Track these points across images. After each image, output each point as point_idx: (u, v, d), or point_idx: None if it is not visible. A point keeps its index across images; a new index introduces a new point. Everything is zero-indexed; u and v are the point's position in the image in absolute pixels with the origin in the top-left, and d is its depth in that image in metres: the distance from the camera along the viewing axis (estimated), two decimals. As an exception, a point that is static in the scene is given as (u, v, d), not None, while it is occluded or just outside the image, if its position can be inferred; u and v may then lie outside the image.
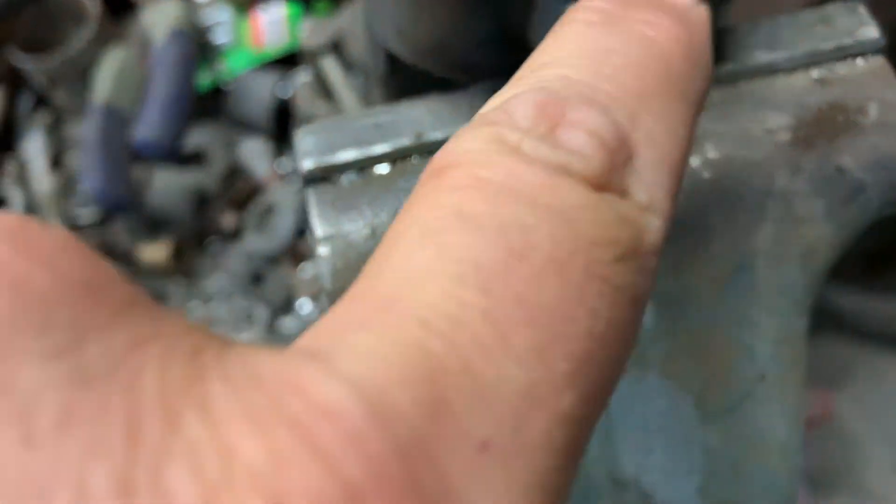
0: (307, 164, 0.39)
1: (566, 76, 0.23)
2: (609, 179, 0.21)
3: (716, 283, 0.40)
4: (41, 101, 1.14)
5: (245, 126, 1.06)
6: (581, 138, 0.21)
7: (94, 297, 0.17)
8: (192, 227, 0.99)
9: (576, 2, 0.36)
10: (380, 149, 0.39)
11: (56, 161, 1.09)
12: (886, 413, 2.10)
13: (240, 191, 1.00)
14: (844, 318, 2.02)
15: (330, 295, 0.38)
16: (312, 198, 0.39)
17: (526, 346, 0.18)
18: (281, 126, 1.04)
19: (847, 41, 0.41)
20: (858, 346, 2.15)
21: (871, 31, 0.41)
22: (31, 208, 1.05)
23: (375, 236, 0.38)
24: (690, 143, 0.24)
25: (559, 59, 0.25)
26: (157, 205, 0.96)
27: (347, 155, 0.39)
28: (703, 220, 0.39)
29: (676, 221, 0.39)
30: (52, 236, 0.18)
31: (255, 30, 1.09)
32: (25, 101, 1.14)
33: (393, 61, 0.45)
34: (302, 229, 0.99)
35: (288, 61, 1.05)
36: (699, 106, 0.25)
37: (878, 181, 0.40)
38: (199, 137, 1.04)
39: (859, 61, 0.41)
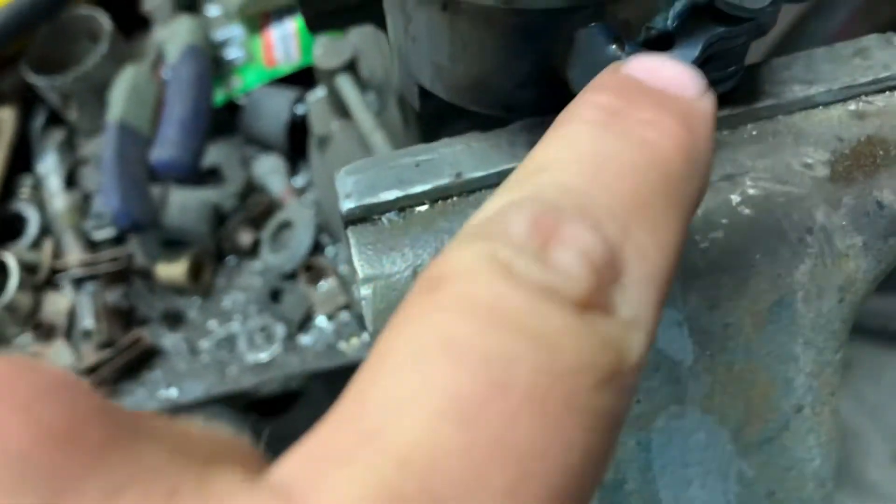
0: (348, 205, 0.39)
1: (563, 184, 0.24)
2: (595, 299, 0.21)
3: (756, 318, 0.40)
4: (55, 119, 1.14)
5: (260, 143, 1.06)
6: (571, 258, 0.21)
7: (70, 447, 0.17)
8: (210, 244, 0.99)
9: (618, 43, 0.36)
10: (420, 188, 0.39)
11: (70, 179, 1.09)
12: (885, 408, 2.11)
13: (256, 208, 1.00)
14: None
15: (372, 335, 0.38)
16: (353, 239, 0.39)
17: (501, 485, 0.18)
18: (295, 143, 1.04)
19: (884, 74, 0.41)
20: (858, 342, 2.16)
21: (907, 64, 0.41)
22: (47, 226, 1.05)
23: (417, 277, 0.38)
24: (682, 247, 0.24)
25: (558, 161, 0.25)
26: (174, 222, 0.96)
27: (388, 195, 0.39)
28: (742, 256, 0.39)
29: (716, 257, 0.39)
30: (33, 381, 0.18)
31: (268, 46, 1.09)
32: (39, 119, 1.14)
33: (427, 95, 0.45)
34: (318, 245, 0.99)
35: (301, 78, 1.05)
36: (695, 207, 0.25)
37: (916, 216, 0.40)
38: (214, 154, 1.04)
39: (896, 94, 0.41)
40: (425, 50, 0.42)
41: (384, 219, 0.39)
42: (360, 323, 0.94)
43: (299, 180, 1.06)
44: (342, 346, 0.92)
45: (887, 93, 0.41)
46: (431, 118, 0.49)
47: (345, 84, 0.87)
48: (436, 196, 0.40)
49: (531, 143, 0.40)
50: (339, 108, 0.91)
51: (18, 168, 1.10)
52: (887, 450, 2.03)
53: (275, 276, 0.98)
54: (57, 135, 1.13)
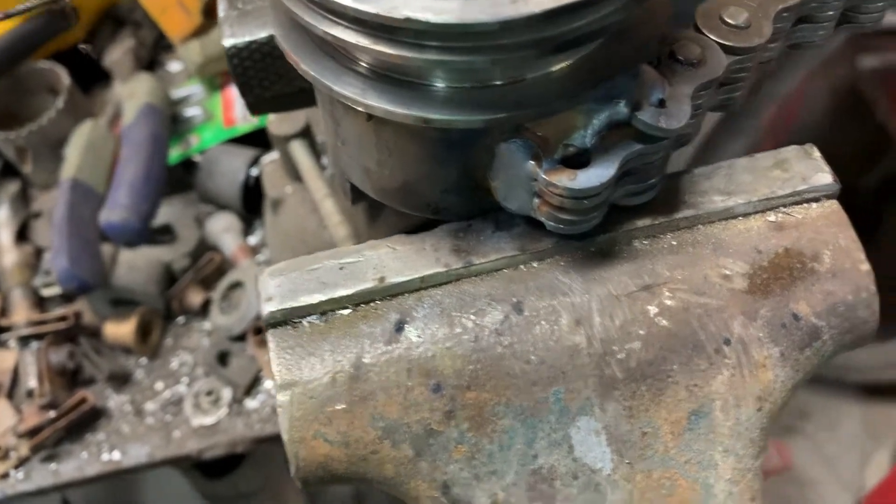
0: (268, 308, 0.39)
1: None
2: None
3: (674, 427, 0.40)
4: (9, 171, 1.13)
5: (215, 201, 1.06)
6: None
7: None
8: (159, 304, 0.98)
9: (536, 160, 0.37)
10: (342, 292, 0.40)
11: (22, 232, 1.08)
12: (843, 458, 2.12)
13: (207, 267, 1.00)
14: None
15: (288, 444, 0.38)
16: (272, 343, 0.39)
17: None
18: (251, 202, 1.03)
19: (802, 186, 0.42)
20: (814, 392, 2.18)
21: (825, 177, 0.42)
22: (-4, 281, 1.04)
23: (336, 384, 0.38)
24: None
25: None
26: (123, 282, 0.95)
27: (310, 298, 0.39)
28: (660, 366, 0.39)
29: (634, 368, 0.39)
30: None
31: (226, 106, 1.09)
32: (-7, 171, 1.13)
33: (358, 191, 0.45)
34: (270, 307, 0.98)
35: (259, 138, 1.05)
36: None
37: (833, 327, 0.41)
38: (168, 212, 1.04)
39: (814, 206, 0.42)
40: (354, 153, 0.42)
41: (305, 322, 0.39)
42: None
43: (253, 239, 1.05)
44: (290, 410, 0.91)
45: (806, 205, 0.42)
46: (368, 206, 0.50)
47: (298, 150, 0.88)
48: (358, 300, 0.40)
49: (455, 249, 0.40)
50: (293, 171, 0.91)
51: (-31, 221, 1.09)
52: (846, 499, 2.05)
53: (223, 338, 0.97)
54: (10, 187, 1.12)
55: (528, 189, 0.38)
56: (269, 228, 0.97)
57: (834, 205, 0.42)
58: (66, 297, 1.02)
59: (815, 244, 0.41)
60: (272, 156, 0.96)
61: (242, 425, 0.91)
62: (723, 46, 0.40)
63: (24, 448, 0.90)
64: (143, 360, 0.97)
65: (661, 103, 0.37)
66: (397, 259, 0.40)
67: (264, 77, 0.51)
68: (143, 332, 0.97)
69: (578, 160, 0.37)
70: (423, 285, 0.40)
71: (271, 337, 0.39)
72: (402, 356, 0.38)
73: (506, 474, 0.38)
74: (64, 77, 1.08)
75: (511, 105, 0.35)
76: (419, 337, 0.39)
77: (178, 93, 1.13)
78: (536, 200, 0.38)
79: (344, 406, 0.38)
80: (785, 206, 0.42)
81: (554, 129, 0.37)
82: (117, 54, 1.18)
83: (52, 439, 0.90)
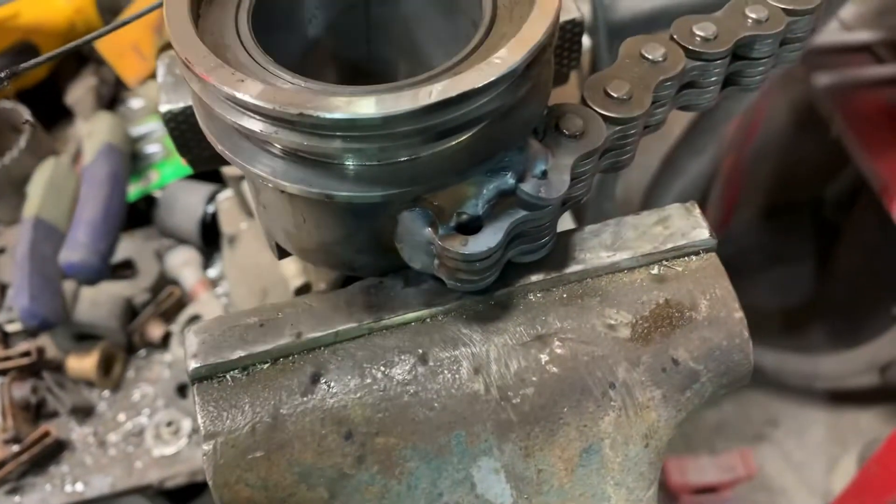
0: (193, 364, 0.43)
1: None
2: None
3: (567, 464, 0.44)
4: (-26, 207, 1.16)
5: (174, 236, 1.09)
6: None
7: None
8: (121, 337, 1.02)
9: (433, 227, 0.41)
10: (262, 347, 0.43)
11: (-14, 270, 1.11)
12: (810, 464, 2.18)
13: (167, 301, 1.03)
14: (767, 374, 2.11)
15: (213, 489, 0.42)
16: (198, 396, 0.43)
17: None
18: (210, 236, 1.07)
19: (682, 241, 0.46)
20: (782, 400, 2.24)
21: (703, 233, 0.46)
22: (-40, 318, 1.07)
23: (255, 434, 0.42)
24: None
25: None
26: (85, 318, 0.99)
27: (232, 354, 0.43)
28: (551, 409, 0.43)
29: (528, 412, 0.43)
30: None
31: (186, 142, 1.13)
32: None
33: (282, 248, 0.49)
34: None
35: (216, 172, 1.09)
36: None
37: (710, 370, 0.45)
38: (129, 247, 1.07)
39: (693, 259, 0.46)
40: (274, 217, 0.46)
41: (228, 376, 0.43)
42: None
43: (213, 272, 1.09)
44: (248, 439, 0.95)
45: (685, 258, 0.46)
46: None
47: (248, 189, 0.91)
48: (277, 355, 0.44)
49: (368, 305, 0.44)
50: (247, 208, 0.95)
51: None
52: (814, 504, 2.10)
53: (183, 370, 1.00)
54: (-25, 224, 1.14)
55: (428, 252, 0.42)
56: (226, 263, 1.01)
57: (712, 257, 0.46)
58: (30, 333, 1.05)
59: (693, 295, 0.45)
60: (227, 193, 1.00)
61: (202, 454, 0.94)
62: (605, 118, 0.45)
63: (-12, 481, 0.93)
64: (106, 393, 1.01)
65: (544, 174, 0.42)
66: (313, 316, 0.44)
67: (201, 139, 0.55)
68: (106, 365, 1.00)
69: (472, 226, 0.41)
70: (337, 339, 0.44)
71: (196, 391, 0.43)
72: (316, 406, 0.42)
73: (413, 511, 0.42)
74: (26, 116, 1.12)
75: (407, 181, 0.39)
76: (332, 388, 0.42)
77: (138, 130, 1.17)
78: (437, 261, 0.42)
79: (262, 453, 0.42)
80: (666, 259, 0.46)
81: (448, 200, 0.41)
82: (79, 92, 1.21)
83: (15, 473, 0.93)
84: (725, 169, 2.14)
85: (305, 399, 0.42)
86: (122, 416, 0.99)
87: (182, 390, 0.99)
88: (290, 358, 0.44)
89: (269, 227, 0.48)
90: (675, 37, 0.48)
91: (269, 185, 0.40)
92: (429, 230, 0.41)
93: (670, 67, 0.47)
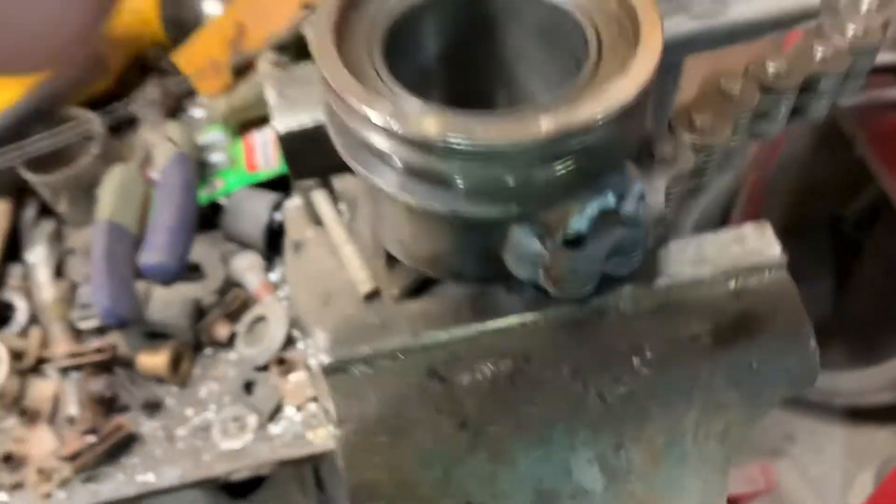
0: (325, 359, 0.48)
1: None
2: None
3: (653, 455, 0.49)
4: (45, 210, 1.22)
5: (239, 241, 1.15)
6: None
7: None
8: (189, 336, 1.07)
9: (541, 241, 0.46)
10: (384, 345, 0.49)
11: (58, 269, 1.17)
12: (827, 480, 2.20)
13: (233, 303, 1.09)
14: None
15: (343, 471, 0.47)
16: (330, 387, 0.48)
17: None
18: (272, 241, 1.13)
19: (757, 259, 0.51)
20: (800, 416, 2.26)
21: (775, 250, 0.52)
22: (35, 314, 1.12)
23: (380, 421, 0.47)
24: None
25: None
26: (157, 317, 1.04)
27: (359, 350, 0.48)
28: (641, 407, 0.48)
29: (619, 409, 0.48)
30: None
31: (248, 152, 1.19)
32: (30, 211, 1.21)
33: (392, 256, 0.55)
34: (290, 339, 1.07)
35: (281, 182, 1.15)
36: None
37: (781, 379, 0.50)
38: (196, 250, 1.13)
39: (767, 274, 0.52)
40: (391, 228, 0.52)
41: (356, 370, 0.49)
42: (327, 414, 1.02)
43: (274, 276, 1.14)
44: (309, 435, 1.00)
45: (759, 274, 0.51)
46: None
47: (319, 198, 0.97)
48: (397, 352, 0.49)
49: (475, 309, 0.50)
50: (314, 216, 1.00)
51: (8, 257, 1.17)
52: (830, 520, 2.13)
53: (248, 368, 1.05)
54: (46, 226, 1.20)
55: (533, 263, 0.48)
56: (289, 268, 1.06)
57: (783, 273, 0.52)
58: (101, 330, 1.10)
59: (766, 307, 0.50)
60: (295, 201, 1.05)
61: (267, 449, 1.00)
62: (690, 145, 0.50)
63: (66, 470, 0.99)
64: (174, 389, 1.06)
65: (641, 195, 0.47)
66: (428, 317, 0.50)
67: (312, 155, 0.60)
68: (174, 362, 1.06)
69: (575, 241, 0.46)
70: (449, 339, 0.49)
71: (329, 382, 0.48)
72: (433, 398, 0.48)
73: (517, 494, 0.47)
74: (97, 125, 1.18)
75: (522, 200, 0.45)
76: (447, 383, 0.48)
77: (202, 139, 1.22)
78: (541, 272, 0.48)
79: (386, 439, 0.47)
80: (744, 274, 0.51)
81: (556, 217, 0.46)
82: (144, 101, 1.27)
83: (92, 462, 0.99)
84: (748, 186, 2.17)
85: (423, 391, 0.48)
86: (189, 411, 1.04)
87: (248, 387, 1.04)
88: (410, 354, 0.49)
89: (384, 238, 0.53)
90: (750, 71, 0.54)
91: (397, 199, 0.45)
92: (537, 244, 0.46)
93: (746, 101, 0.52)
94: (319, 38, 0.46)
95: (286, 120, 0.60)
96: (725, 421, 0.49)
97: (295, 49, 1.05)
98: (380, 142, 0.44)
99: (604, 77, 0.46)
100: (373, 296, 0.93)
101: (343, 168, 0.64)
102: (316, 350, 0.49)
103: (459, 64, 0.55)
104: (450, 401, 0.47)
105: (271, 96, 0.63)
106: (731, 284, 0.51)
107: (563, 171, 0.45)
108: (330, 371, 0.48)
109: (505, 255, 0.49)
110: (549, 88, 0.54)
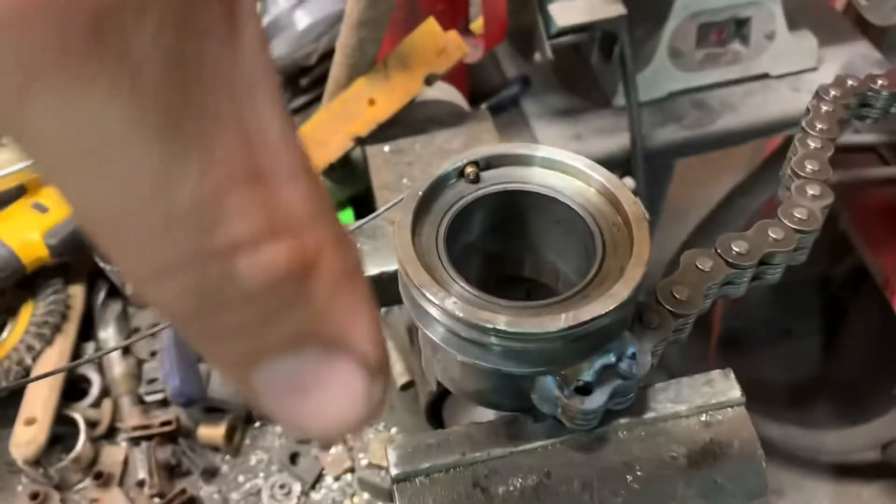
0: (394, 471, 0.64)
1: None
2: None
3: (641, 550, 0.65)
4: (113, 292, 1.38)
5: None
6: None
7: None
8: (242, 410, 1.23)
9: (560, 389, 0.62)
10: (439, 461, 0.65)
11: (126, 347, 1.33)
12: (816, 536, 2.30)
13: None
14: (773, 446, 2.25)
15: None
16: (397, 493, 0.64)
17: None
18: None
19: (722, 398, 0.68)
20: (788, 471, 2.38)
21: (736, 393, 0.68)
22: (107, 387, 1.28)
23: (438, 521, 0.63)
24: None
25: None
26: (217, 394, 1.20)
27: (420, 465, 0.64)
28: (633, 513, 0.64)
29: (617, 514, 0.64)
30: None
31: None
32: (100, 293, 1.38)
33: (441, 385, 0.71)
34: (329, 415, 1.23)
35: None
36: None
37: (738, 492, 0.66)
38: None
39: (729, 411, 0.68)
40: (443, 368, 0.68)
41: (417, 480, 0.64)
42: (361, 484, 1.17)
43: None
44: (346, 503, 1.16)
45: (724, 409, 0.68)
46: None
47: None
48: (449, 467, 0.65)
49: (508, 434, 0.66)
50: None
51: (82, 336, 1.34)
52: (819, 574, 2.24)
53: (293, 440, 1.21)
54: (115, 307, 1.37)
55: (553, 402, 0.64)
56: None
57: (742, 409, 0.68)
58: (164, 402, 1.26)
59: (729, 436, 0.66)
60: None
61: (311, 515, 1.15)
62: (671, 313, 0.67)
63: (136, 529, 1.14)
64: (228, 457, 1.22)
65: (633, 356, 0.63)
66: (472, 440, 0.66)
67: (381, 295, 0.76)
68: (229, 433, 1.21)
69: (585, 389, 0.63)
70: (489, 457, 0.65)
71: (396, 489, 0.64)
72: (476, 504, 0.64)
73: (538, 578, 0.63)
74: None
75: (546, 362, 0.61)
76: (487, 492, 0.64)
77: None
78: (560, 409, 0.64)
79: (442, 535, 0.63)
80: (712, 410, 0.67)
81: (571, 371, 0.62)
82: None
83: (159, 523, 1.14)
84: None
85: (469, 499, 0.64)
86: (241, 478, 1.20)
87: (294, 458, 1.20)
88: (458, 469, 0.65)
89: (437, 373, 0.70)
90: (718, 251, 0.70)
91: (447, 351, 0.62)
92: (557, 391, 0.62)
93: (716, 275, 0.69)
94: (401, 235, 0.62)
95: (366, 267, 0.77)
96: (697, 524, 0.65)
97: (340, 166, 1.22)
98: (439, 316, 0.60)
99: (606, 273, 0.62)
100: (408, 386, 1.10)
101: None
102: (387, 465, 0.65)
103: (497, 240, 0.72)
104: (489, 506, 0.63)
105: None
106: (703, 417, 0.67)
107: (578, 343, 0.62)
108: (397, 480, 0.64)
109: (532, 395, 0.65)
110: (566, 261, 0.71)
